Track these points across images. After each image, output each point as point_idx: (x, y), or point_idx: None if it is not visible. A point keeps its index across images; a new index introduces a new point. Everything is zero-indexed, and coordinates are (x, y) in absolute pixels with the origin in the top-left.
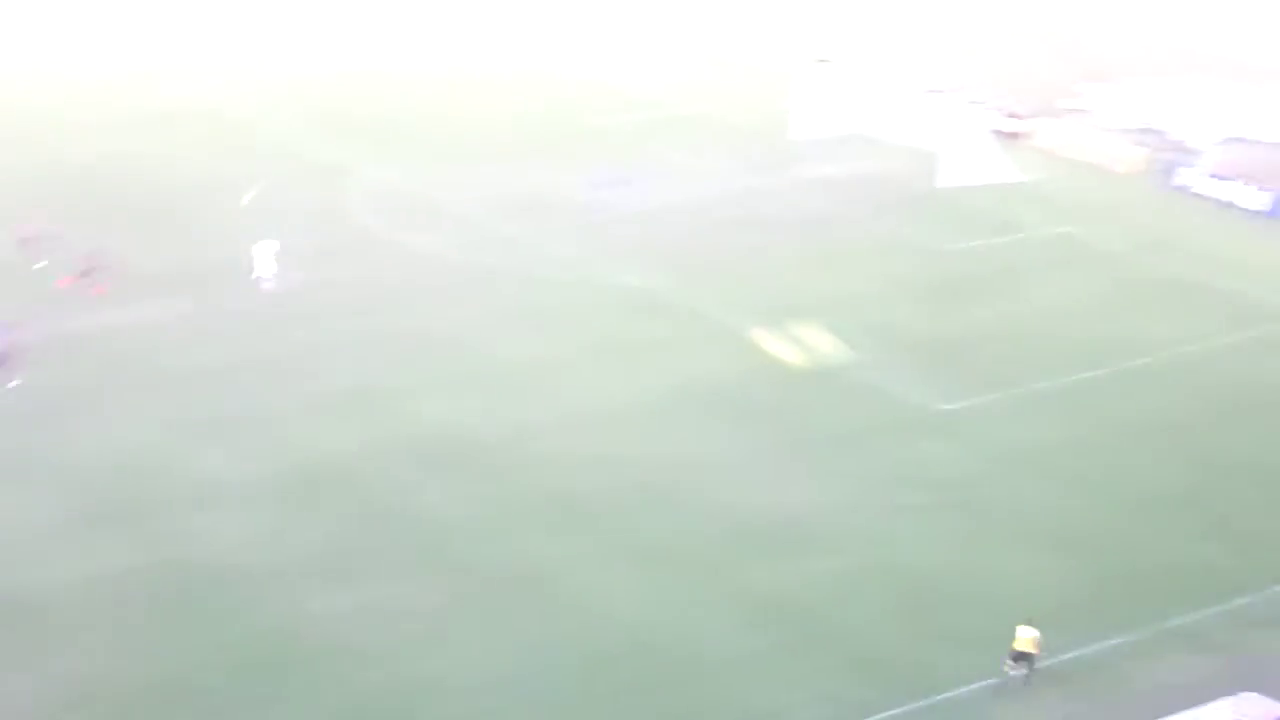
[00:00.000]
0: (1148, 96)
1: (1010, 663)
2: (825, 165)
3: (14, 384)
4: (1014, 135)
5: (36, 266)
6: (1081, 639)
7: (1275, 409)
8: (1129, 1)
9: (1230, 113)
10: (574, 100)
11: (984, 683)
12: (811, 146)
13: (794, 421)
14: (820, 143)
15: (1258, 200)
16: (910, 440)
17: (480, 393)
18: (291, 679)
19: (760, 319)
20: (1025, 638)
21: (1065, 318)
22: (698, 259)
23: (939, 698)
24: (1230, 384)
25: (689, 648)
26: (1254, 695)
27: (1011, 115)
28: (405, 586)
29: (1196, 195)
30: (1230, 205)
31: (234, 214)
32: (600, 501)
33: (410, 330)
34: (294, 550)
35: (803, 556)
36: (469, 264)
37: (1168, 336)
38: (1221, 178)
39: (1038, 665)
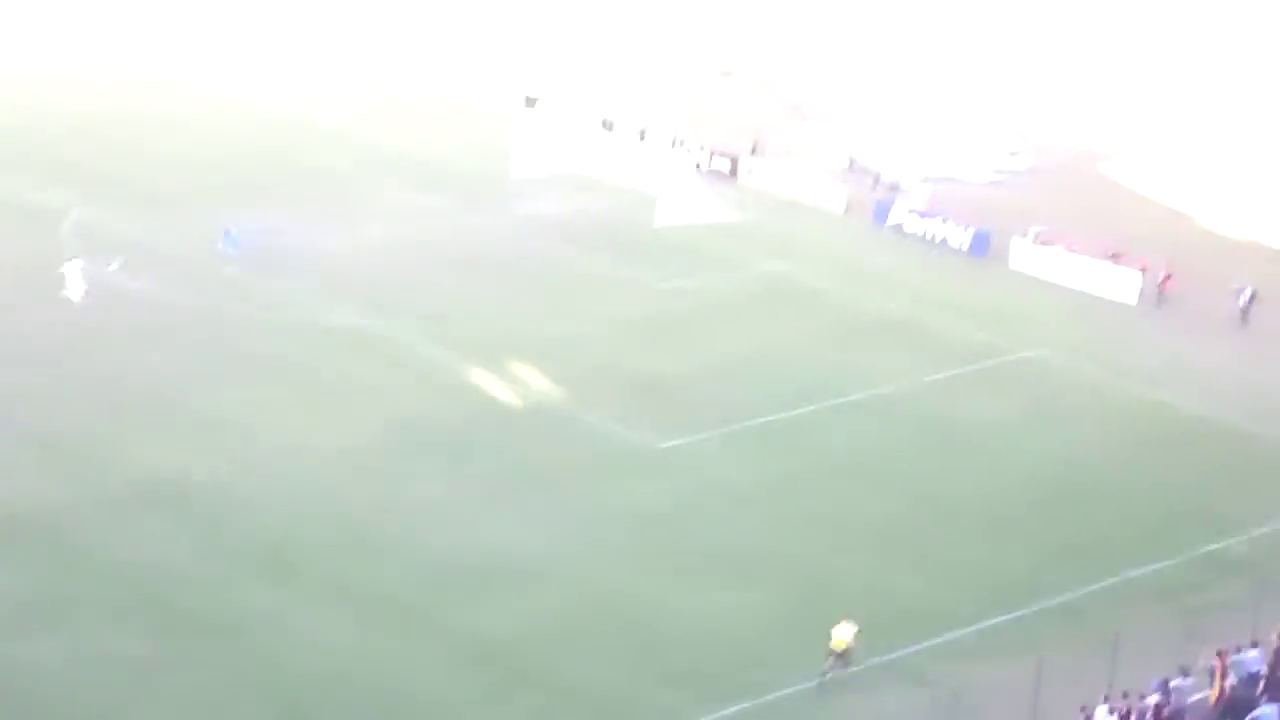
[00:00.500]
0: (855, 135)
1: (830, 662)
2: (543, 204)
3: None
4: (726, 174)
5: None
6: (788, 674)
7: (975, 445)
8: (837, 44)
9: (936, 152)
10: (290, 140)
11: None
12: (529, 185)
13: (507, 461)
14: (537, 182)
15: (962, 238)
16: (622, 478)
17: (184, 436)
18: None
19: (476, 358)
20: (844, 636)
21: (778, 355)
22: (413, 298)
23: None
24: (933, 420)
25: (400, 695)
26: None
27: (720, 155)
28: (109, 633)
29: (906, 233)
30: (938, 243)
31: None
32: (309, 547)
33: (113, 373)
34: None
35: (513, 596)
36: (178, 306)
37: (877, 373)
38: (929, 215)
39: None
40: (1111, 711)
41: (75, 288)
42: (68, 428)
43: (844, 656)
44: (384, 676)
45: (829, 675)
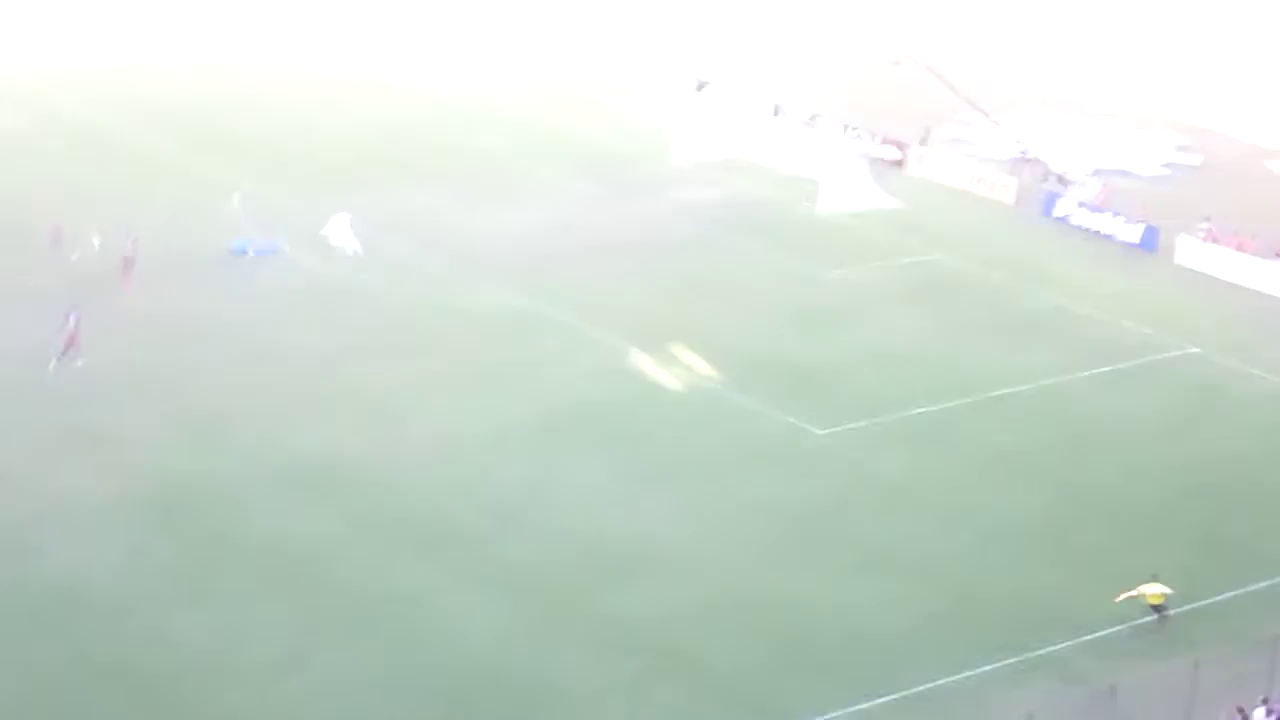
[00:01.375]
0: (1025, 127)
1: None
2: (706, 189)
3: (80, 363)
4: (892, 163)
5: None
6: (939, 667)
7: (1130, 441)
8: (1009, 35)
9: (1106, 146)
10: (453, 120)
11: (845, 709)
12: (690, 171)
13: (661, 446)
14: (699, 167)
15: (1131, 232)
16: (776, 466)
17: (345, 415)
18: (148, 697)
19: (633, 342)
20: (1157, 590)
21: (936, 346)
22: (571, 281)
23: None
24: (1089, 415)
25: (545, 675)
26: None
27: (889, 142)
28: (260, 609)
29: (1072, 226)
30: (1104, 236)
31: (102, 225)
32: (461, 527)
33: (280, 350)
34: (154, 570)
35: (663, 582)
36: (340, 283)
37: (1035, 366)
38: (1096, 209)
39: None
40: (1269, 714)
41: (347, 242)
42: (226, 403)
43: (1161, 609)
44: (531, 658)
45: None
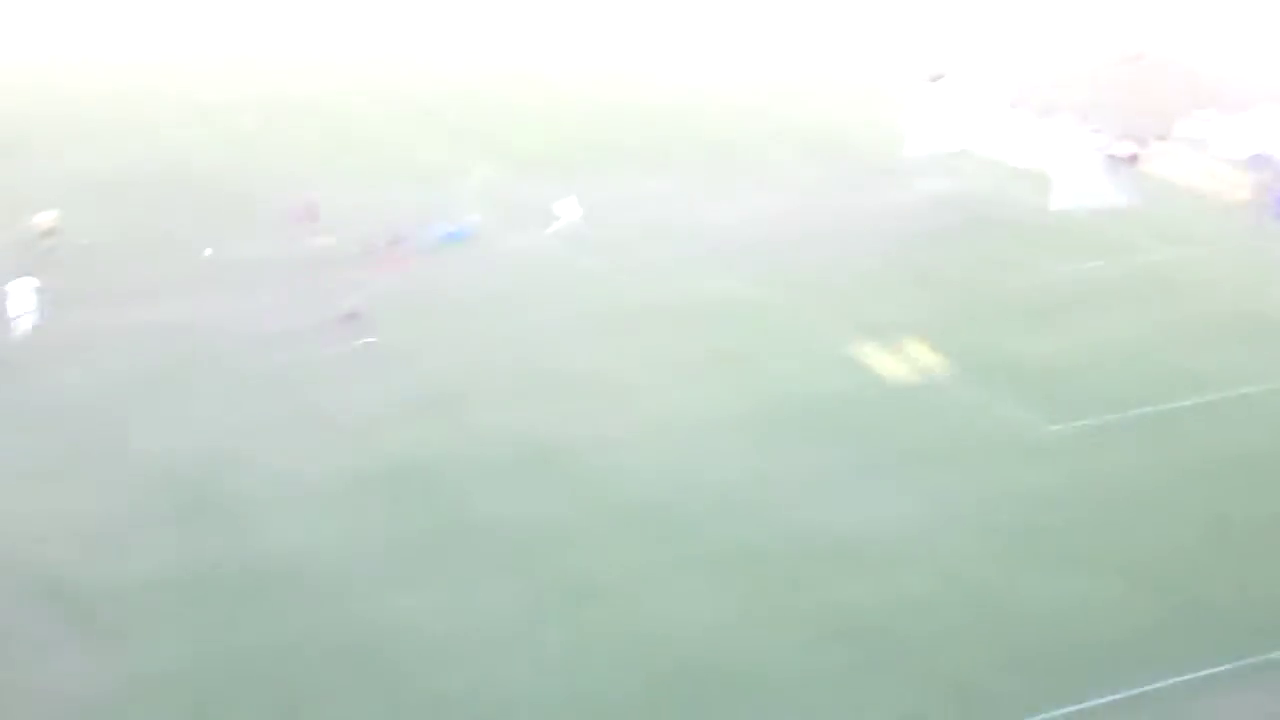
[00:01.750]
0: (1265, 126)
1: None
2: (934, 182)
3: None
4: (1127, 160)
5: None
6: (1160, 669)
7: None
8: (1250, 31)
9: None
10: (687, 107)
11: (1062, 709)
12: (922, 163)
13: (885, 437)
14: (931, 159)
15: None
16: (1002, 461)
17: (565, 399)
18: (366, 676)
19: (859, 332)
20: None
21: (1167, 344)
22: (797, 270)
23: None
24: None
25: (761, 662)
26: None
27: (1125, 139)
28: (481, 591)
29: None
30: None
31: (336, 211)
32: (681, 513)
33: (498, 334)
34: (369, 550)
35: (882, 575)
36: (564, 267)
37: (1265, 367)
38: None
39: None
40: None
41: (571, 227)
42: (452, 384)
43: None
44: (748, 645)
45: None
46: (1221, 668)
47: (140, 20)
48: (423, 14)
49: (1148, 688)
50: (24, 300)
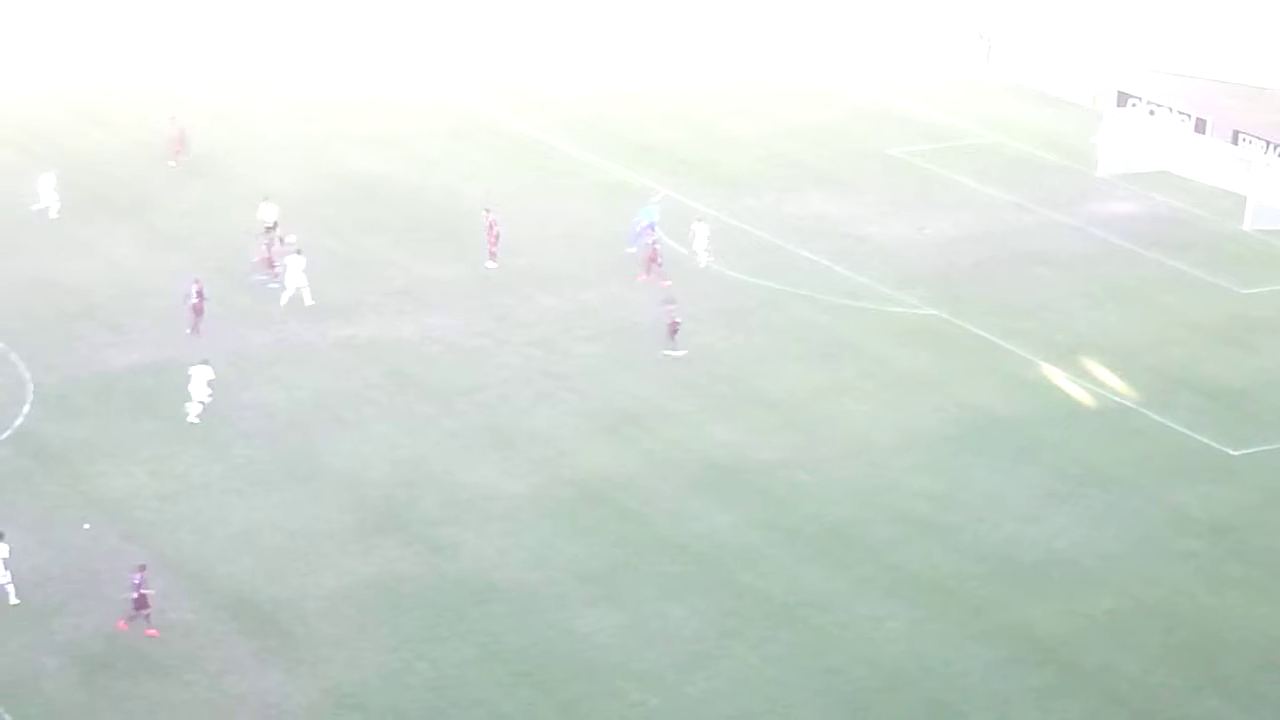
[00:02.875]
0: None
1: None
2: (1125, 203)
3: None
4: None
5: None
6: None
7: None
8: None
9: None
10: (868, 126)
11: None
12: (1113, 183)
13: (1072, 458)
14: (1123, 179)
15: None
16: (1190, 483)
17: (755, 418)
18: (557, 694)
19: (1046, 354)
20: None
21: None
22: (985, 291)
23: None
24: None
25: (950, 685)
26: None
27: None
28: (668, 610)
29: None
30: None
31: (521, 228)
32: (869, 533)
33: (690, 353)
34: (558, 568)
35: (1071, 597)
36: (751, 288)
37: None
38: None
39: None
40: None
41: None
42: (639, 403)
43: None
44: (936, 668)
45: None
46: None
47: (333, 48)
48: (602, 36)
49: None
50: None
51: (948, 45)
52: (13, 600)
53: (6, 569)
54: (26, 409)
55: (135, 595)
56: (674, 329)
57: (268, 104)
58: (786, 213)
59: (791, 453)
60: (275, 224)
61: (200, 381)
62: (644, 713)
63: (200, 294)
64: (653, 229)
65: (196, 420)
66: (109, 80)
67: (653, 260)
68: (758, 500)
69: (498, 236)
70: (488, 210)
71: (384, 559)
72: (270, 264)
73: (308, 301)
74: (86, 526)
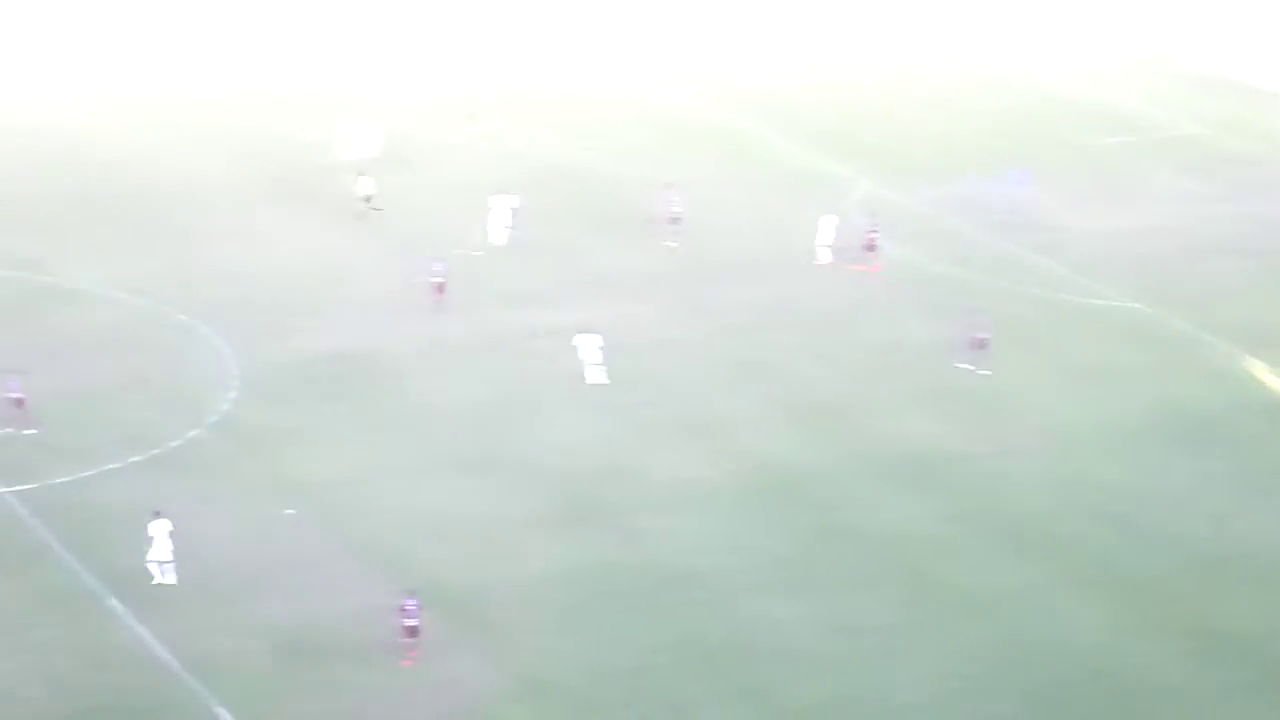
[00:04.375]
0: None
1: None
2: None
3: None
4: None
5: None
6: None
7: None
8: None
9: None
10: (1060, 118)
11: None
12: None
13: (1273, 453)
14: None
15: None
16: None
17: (948, 409)
18: (751, 681)
19: (1242, 346)
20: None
21: None
22: (1180, 283)
23: None
24: None
25: (1146, 681)
26: None
27: None
28: (860, 599)
29: None
30: None
31: (718, 217)
32: (1063, 526)
33: (885, 342)
34: (751, 557)
35: (1272, 593)
36: (947, 278)
37: None
38: None
39: None
40: None
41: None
42: (832, 392)
43: None
44: (1132, 663)
45: None
46: None
47: (530, 39)
48: (795, 25)
49: None
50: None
51: (1139, 32)
52: (166, 579)
53: (165, 547)
54: (232, 395)
55: (407, 625)
56: (980, 344)
57: (466, 96)
58: (983, 204)
59: (986, 444)
60: (370, 197)
61: (591, 346)
62: (836, 701)
63: (444, 271)
64: (872, 220)
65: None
66: (317, 76)
67: (869, 249)
68: (951, 491)
69: (677, 216)
70: (668, 185)
71: (580, 547)
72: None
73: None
74: (289, 512)
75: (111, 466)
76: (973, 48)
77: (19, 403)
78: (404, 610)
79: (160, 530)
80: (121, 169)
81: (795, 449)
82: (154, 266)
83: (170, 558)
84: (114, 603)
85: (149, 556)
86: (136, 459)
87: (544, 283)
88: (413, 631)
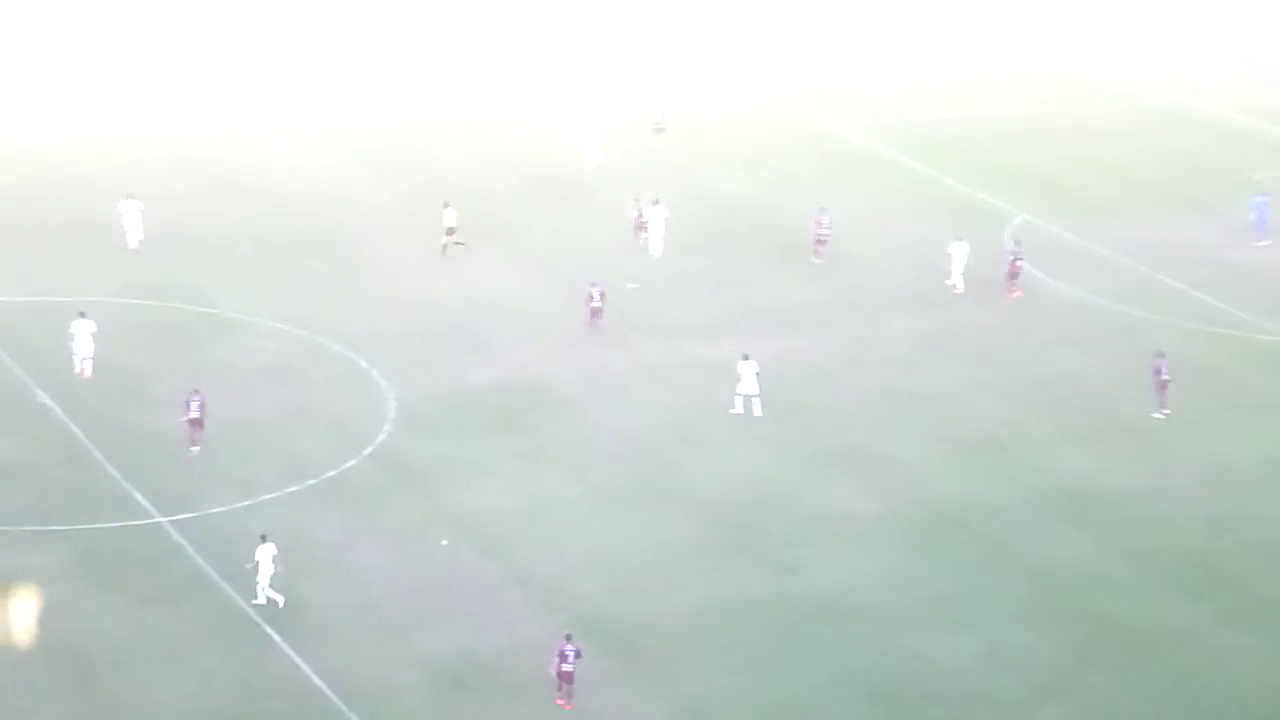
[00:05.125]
0: None
1: None
2: None
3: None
4: None
5: None
6: None
7: None
8: None
9: None
10: (1226, 149)
11: None
12: None
13: None
14: None
15: None
16: None
17: (1112, 444)
18: (905, 715)
19: None
20: None
21: None
22: None
23: None
24: None
25: None
26: None
27: None
28: (1023, 636)
29: None
30: None
31: (881, 250)
32: (1229, 564)
33: (1047, 376)
34: (911, 591)
35: None
36: (1115, 313)
37: None
38: None
39: None
40: None
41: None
42: (993, 426)
43: None
44: None
45: None
46: None
47: (704, 69)
48: (959, 59)
49: None
50: None
51: None
52: (259, 599)
53: (268, 570)
54: (388, 426)
55: (563, 670)
56: (1163, 385)
57: (633, 125)
58: (1148, 238)
59: (1151, 480)
60: (453, 228)
61: (749, 374)
62: None
63: (601, 295)
64: (1017, 247)
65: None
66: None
67: (1013, 276)
68: (1116, 528)
69: (823, 239)
70: (823, 210)
71: (738, 579)
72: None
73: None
74: (444, 543)
75: (268, 496)
76: (1144, 80)
77: (197, 423)
78: (562, 655)
79: (265, 555)
80: (290, 200)
81: (956, 482)
82: (315, 297)
83: (270, 581)
84: (270, 632)
85: (257, 579)
86: (293, 489)
87: (703, 313)
88: (568, 677)
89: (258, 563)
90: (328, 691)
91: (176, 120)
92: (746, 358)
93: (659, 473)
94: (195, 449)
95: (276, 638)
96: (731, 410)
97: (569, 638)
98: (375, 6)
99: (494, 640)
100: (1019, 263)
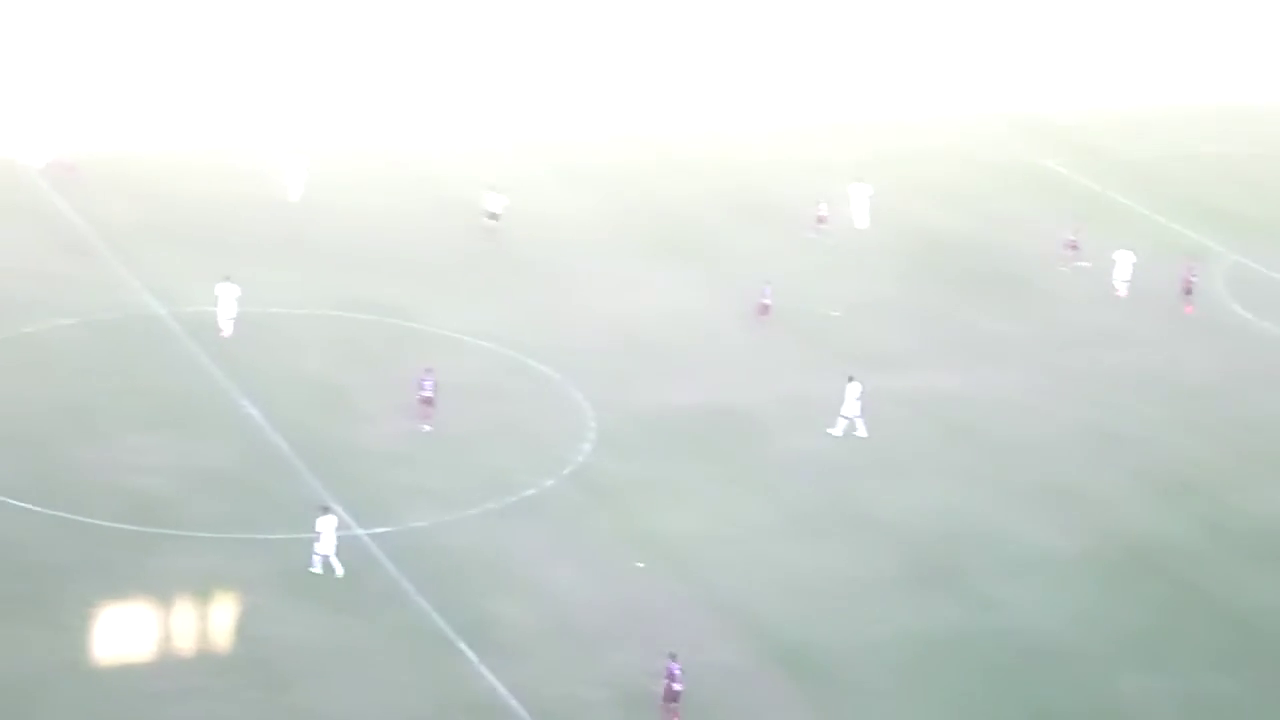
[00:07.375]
0: None
1: None
2: None
3: None
4: None
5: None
6: None
7: None
8: None
9: None
10: None
11: None
12: None
13: None
14: None
15: None
16: None
17: None
18: None
19: None
20: None
21: None
22: None
23: None
24: None
25: None
26: None
27: None
28: (1221, 680)
29: None
30: None
31: (1083, 286)
32: None
33: (1253, 418)
34: (1106, 629)
35: None
36: None
37: None
38: None
39: None
40: None
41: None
42: (1195, 466)
43: None
44: None
45: None
46: None
47: (906, 98)
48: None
49: None
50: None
51: None
52: (326, 570)
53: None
54: (587, 447)
55: (671, 688)
56: None
57: (840, 154)
58: None
59: None
60: (497, 214)
61: (852, 397)
62: None
63: (769, 294)
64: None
65: (838, 434)
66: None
67: (1188, 292)
68: None
69: (1191, 286)
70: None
71: (931, 611)
72: None
73: None
74: (640, 565)
75: (468, 513)
76: None
77: (428, 401)
78: (670, 675)
79: (328, 526)
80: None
81: (1155, 521)
82: (519, 315)
83: (334, 552)
84: (464, 648)
85: (315, 549)
86: (492, 506)
87: (902, 343)
88: (675, 696)
89: (319, 534)
90: (518, 708)
91: (401, 140)
92: (851, 379)
93: (855, 502)
94: (426, 428)
95: (469, 653)
96: (829, 430)
97: (673, 656)
98: (575, 20)
99: (684, 662)
100: (1193, 279)
